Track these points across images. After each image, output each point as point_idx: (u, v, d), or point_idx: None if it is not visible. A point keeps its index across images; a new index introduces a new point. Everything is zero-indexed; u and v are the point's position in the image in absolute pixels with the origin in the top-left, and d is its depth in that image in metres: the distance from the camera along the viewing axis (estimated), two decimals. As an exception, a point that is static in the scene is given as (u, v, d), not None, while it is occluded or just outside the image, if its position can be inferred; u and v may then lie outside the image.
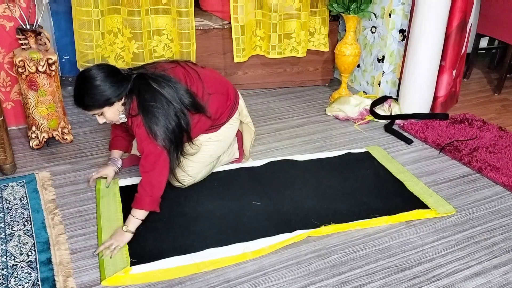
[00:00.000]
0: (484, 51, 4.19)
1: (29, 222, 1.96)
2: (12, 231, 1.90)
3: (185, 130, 1.93)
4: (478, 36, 3.77)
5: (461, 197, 2.25)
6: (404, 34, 3.16)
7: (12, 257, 1.76)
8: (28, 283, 1.64)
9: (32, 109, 2.44)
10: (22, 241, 1.85)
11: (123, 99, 1.87)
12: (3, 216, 1.99)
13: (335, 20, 3.48)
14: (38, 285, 1.63)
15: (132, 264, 1.74)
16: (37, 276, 1.67)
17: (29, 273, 1.68)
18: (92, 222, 1.99)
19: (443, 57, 2.96)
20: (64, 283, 1.65)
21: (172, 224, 1.97)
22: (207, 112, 2.04)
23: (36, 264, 1.73)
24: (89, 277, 1.70)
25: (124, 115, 1.91)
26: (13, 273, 1.68)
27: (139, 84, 1.87)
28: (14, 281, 1.65)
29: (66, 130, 2.56)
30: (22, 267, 1.71)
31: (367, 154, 2.61)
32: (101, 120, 1.92)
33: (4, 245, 1.82)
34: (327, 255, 1.85)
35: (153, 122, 1.83)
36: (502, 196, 2.27)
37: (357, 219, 2.03)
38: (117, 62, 3.09)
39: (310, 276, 1.73)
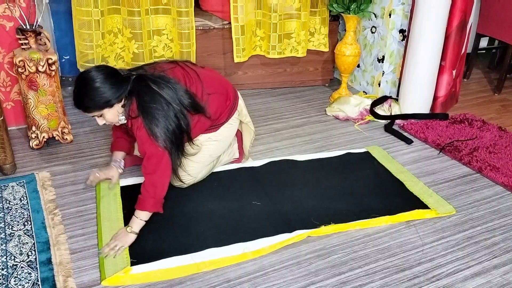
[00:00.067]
0: (484, 51, 4.19)
1: (29, 222, 1.96)
2: (12, 231, 1.90)
3: (185, 131, 1.93)
4: (478, 36, 3.77)
5: (461, 197, 2.25)
6: (404, 34, 3.16)
7: (12, 257, 1.76)
8: (28, 283, 1.64)
9: (32, 109, 2.44)
10: (22, 241, 1.85)
11: (123, 100, 1.87)
12: (3, 216, 1.99)
13: (335, 20, 3.48)
14: (38, 285, 1.63)
15: (132, 264, 1.74)
16: (37, 276, 1.67)
17: (29, 273, 1.68)
18: (92, 222, 1.99)
19: (443, 57, 2.96)
20: (64, 283, 1.65)
21: (172, 224, 1.97)
22: (207, 113, 2.04)
23: (36, 264, 1.73)
24: (89, 277, 1.70)
25: (123, 117, 1.91)
26: (13, 273, 1.68)
27: (139, 86, 1.86)
28: (14, 281, 1.65)
29: (66, 130, 2.57)
30: (22, 267, 1.71)
31: (367, 154, 2.61)
32: (100, 122, 1.92)
33: (4, 245, 1.82)
34: (327, 255, 1.85)
35: (153, 124, 1.83)
36: (502, 196, 2.27)
37: (357, 219, 2.03)
38: (117, 62, 3.09)
39: (310, 276, 1.73)
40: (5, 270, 1.70)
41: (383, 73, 3.29)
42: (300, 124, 3.00)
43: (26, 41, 2.40)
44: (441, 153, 2.66)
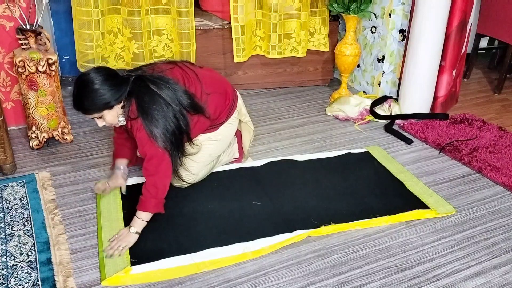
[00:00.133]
0: (484, 51, 4.19)
1: (29, 222, 1.96)
2: (12, 231, 1.90)
3: (185, 131, 1.93)
4: (478, 36, 3.77)
5: (461, 197, 2.25)
6: (404, 34, 3.16)
7: (12, 257, 1.76)
8: (28, 283, 1.64)
9: (32, 109, 2.45)
10: (22, 241, 1.85)
11: (122, 102, 1.87)
12: (3, 216, 1.99)
13: (335, 20, 3.48)
14: (38, 285, 1.63)
15: (132, 264, 1.74)
16: (37, 276, 1.67)
17: (29, 273, 1.68)
18: (92, 222, 1.99)
19: (443, 57, 2.96)
20: (64, 283, 1.65)
21: (172, 224, 1.97)
22: (206, 112, 2.04)
23: (36, 264, 1.73)
24: (89, 277, 1.70)
25: (123, 118, 1.91)
26: (13, 273, 1.68)
27: (138, 87, 1.86)
28: (14, 281, 1.65)
29: (66, 130, 2.57)
30: (22, 267, 1.71)
31: (367, 154, 2.61)
32: (100, 123, 1.92)
33: (4, 245, 1.82)
34: (327, 255, 1.85)
35: (153, 125, 1.83)
36: (502, 196, 2.27)
37: (357, 219, 2.03)
38: (117, 62, 3.09)
39: (310, 276, 1.73)
40: (5, 270, 1.70)
41: (383, 73, 3.29)
42: (300, 124, 3.00)
43: (26, 41, 2.40)
44: (441, 153, 2.66)
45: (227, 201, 2.13)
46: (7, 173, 2.30)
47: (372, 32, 3.31)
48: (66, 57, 3.20)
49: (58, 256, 1.77)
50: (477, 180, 2.40)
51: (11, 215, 2.00)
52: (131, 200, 2.04)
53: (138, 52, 3.05)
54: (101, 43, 2.98)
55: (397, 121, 3.00)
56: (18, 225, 1.94)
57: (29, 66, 2.33)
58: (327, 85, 3.67)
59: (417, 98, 2.99)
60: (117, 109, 1.87)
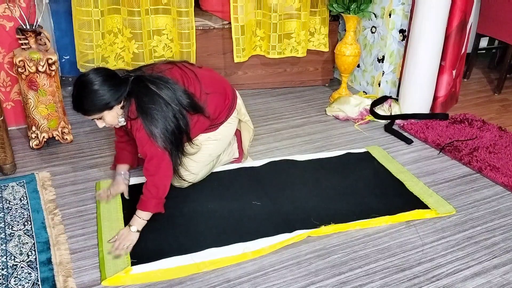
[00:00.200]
0: (484, 51, 4.19)
1: (29, 222, 1.96)
2: (12, 231, 1.90)
3: (185, 131, 1.93)
4: (478, 36, 3.77)
5: (461, 197, 2.25)
6: (404, 34, 3.16)
7: (12, 257, 1.76)
8: (28, 283, 1.64)
9: (32, 109, 2.45)
10: (22, 241, 1.85)
11: (122, 102, 1.87)
12: (3, 216, 1.99)
13: (335, 20, 3.48)
14: (38, 285, 1.64)
15: (133, 264, 1.74)
16: (37, 276, 1.67)
17: (29, 273, 1.68)
18: (92, 222, 1.99)
19: (443, 57, 2.96)
20: (64, 283, 1.65)
21: (172, 224, 1.97)
22: (206, 112, 2.04)
23: (36, 264, 1.73)
24: (89, 277, 1.70)
25: (123, 119, 1.91)
26: (13, 273, 1.68)
27: (137, 87, 1.86)
28: (14, 281, 1.65)
29: (66, 130, 2.57)
30: (22, 267, 1.71)
31: (367, 154, 2.61)
32: (100, 124, 1.92)
33: (4, 245, 1.82)
34: (327, 255, 1.85)
35: (153, 125, 1.83)
36: (502, 196, 2.27)
37: (357, 219, 2.03)
38: (117, 62, 3.09)
39: (310, 276, 1.73)
40: (5, 270, 1.70)
41: (383, 73, 3.29)
42: (300, 124, 3.00)
43: (26, 41, 2.40)
44: (441, 153, 2.66)
45: (227, 201, 2.13)
46: (7, 173, 2.30)
47: (372, 32, 3.31)
48: (66, 57, 3.20)
49: (58, 256, 1.77)
50: (477, 180, 2.40)
51: (11, 215, 2.00)
52: (131, 200, 2.04)
53: (138, 52, 3.05)
54: (101, 43, 2.98)
55: (397, 121, 3.00)
56: (18, 225, 1.94)
57: (29, 66, 2.33)
58: (327, 85, 3.67)
59: (417, 98, 2.99)
60: (117, 109, 1.87)
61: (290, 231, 1.93)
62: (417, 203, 2.16)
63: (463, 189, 2.32)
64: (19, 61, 2.32)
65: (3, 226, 1.93)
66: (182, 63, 2.09)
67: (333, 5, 3.14)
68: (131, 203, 1.99)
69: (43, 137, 2.51)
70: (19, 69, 2.33)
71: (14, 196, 2.13)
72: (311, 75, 3.60)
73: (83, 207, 2.09)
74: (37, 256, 1.77)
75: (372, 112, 3.06)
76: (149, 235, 1.88)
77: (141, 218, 1.87)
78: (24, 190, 2.18)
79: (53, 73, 2.40)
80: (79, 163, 2.44)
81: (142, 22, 2.99)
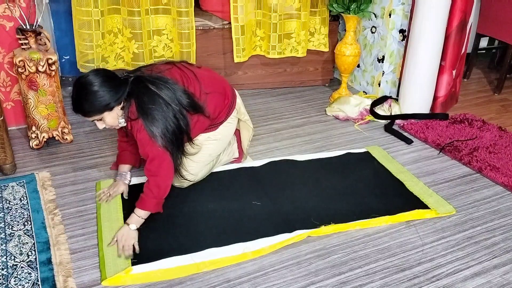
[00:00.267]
0: (484, 51, 4.19)
1: (29, 222, 1.96)
2: (12, 231, 1.90)
3: (185, 131, 1.93)
4: (478, 36, 3.77)
5: (461, 197, 2.25)
6: (404, 34, 3.16)
7: (12, 257, 1.76)
8: (28, 283, 1.64)
9: (32, 109, 2.44)
10: (22, 241, 1.85)
11: (122, 103, 1.87)
12: (3, 216, 1.99)
13: (335, 20, 3.48)
14: (38, 285, 1.63)
15: (133, 264, 1.74)
16: (37, 276, 1.67)
17: (29, 273, 1.68)
18: (92, 222, 1.99)
19: (443, 57, 2.96)
20: (64, 283, 1.65)
21: (172, 224, 1.97)
22: (206, 112, 2.04)
23: (36, 264, 1.73)
24: (89, 277, 1.70)
25: (123, 120, 1.91)
26: (13, 273, 1.68)
27: (137, 87, 1.86)
28: (14, 281, 1.65)
29: (66, 130, 2.57)
30: (22, 267, 1.71)
31: (367, 154, 2.61)
32: (100, 125, 1.92)
33: (4, 245, 1.82)
34: (327, 255, 1.85)
35: (154, 125, 1.83)
36: (502, 196, 2.27)
37: (357, 219, 2.03)
38: (117, 62, 3.09)
39: (310, 276, 1.73)
40: (5, 270, 1.70)
41: (383, 73, 3.29)
42: (300, 124, 3.00)
43: (26, 41, 2.40)
44: (441, 153, 2.66)
45: (227, 201, 2.13)
46: (7, 173, 2.30)
47: (372, 32, 3.31)
48: (66, 57, 3.20)
49: (58, 256, 1.77)
50: (477, 180, 2.40)
51: (11, 215, 2.00)
52: (131, 200, 2.04)
53: (138, 52, 3.05)
54: (101, 43, 2.98)
55: (397, 121, 3.00)
56: (18, 225, 1.94)
57: (29, 66, 2.33)
58: (327, 85, 3.67)
59: (417, 98, 2.99)
60: (117, 110, 1.87)
61: (290, 231, 1.93)
62: (417, 203, 2.16)
63: (463, 189, 2.32)
64: (19, 61, 2.32)
65: (3, 226, 1.93)
66: (181, 63, 2.09)
67: (333, 5, 3.14)
68: (131, 203, 1.99)
69: (43, 137, 2.51)
70: (19, 69, 2.33)
71: (14, 196, 2.13)
72: (311, 75, 3.60)
73: (83, 207, 2.09)
74: (37, 256, 1.77)
75: (372, 112, 3.06)
76: (149, 235, 1.88)
77: (140, 216, 1.87)
78: (24, 190, 2.18)
79: (53, 73, 2.40)
80: (79, 163, 2.44)
81: (142, 22, 2.99)
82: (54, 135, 2.54)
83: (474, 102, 3.42)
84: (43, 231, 1.90)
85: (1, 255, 1.76)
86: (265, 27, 3.29)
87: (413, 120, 2.99)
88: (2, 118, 2.21)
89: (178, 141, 1.91)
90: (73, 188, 2.22)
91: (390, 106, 3.11)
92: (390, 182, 2.34)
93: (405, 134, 2.87)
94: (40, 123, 2.48)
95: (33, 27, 2.41)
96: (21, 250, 1.80)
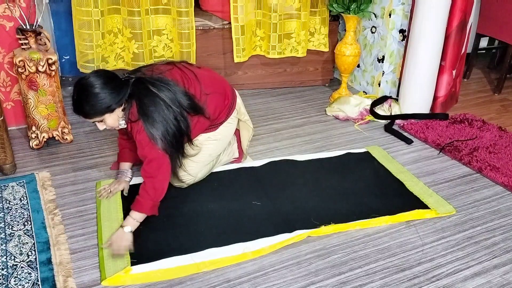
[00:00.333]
0: (484, 51, 4.19)
1: (29, 222, 1.96)
2: (12, 231, 1.90)
3: (185, 133, 1.93)
4: (478, 36, 3.77)
5: (461, 197, 2.25)
6: (404, 34, 3.16)
7: (12, 257, 1.76)
8: (28, 283, 1.64)
9: (32, 109, 2.44)
10: (22, 241, 1.85)
11: (123, 104, 1.87)
12: (3, 216, 1.99)
13: (335, 20, 3.48)
14: (38, 285, 1.64)
15: (132, 264, 1.74)
16: (37, 276, 1.67)
17: (29, 273, 1.68)
18: (92, 222, 1.99)
19: (443, 57, 2.96)
20: (64, 283, 1.65)
21: (172, 224, 1.97)
22: (206, 113, 2.03)
23: (36, 264, 1.73)
24: (89, 277, 1.70)
25: (124, 121, 1.91)
26: (13, 273, 1.68)
27: (138, 89, 1.86)
28: (14, 281, 1.65)
29: (66, 130, 2.57)
30: (22, 267, 1.71)
31: (367, 154, 2.61)
32: (101, 126, 1.91)
33: (4, 245, 1.82)
34: (327, 255, 1.85)
35: (154, 127, 1.82)
36: (502, 196, 2.27)
37: (357, 219, 2.03)
38: (117, 62, 3.09)
39: (310, 276, 1.73)
40: (5, 270, 1.70)
41: (383, 73, 3.29)
42: (300, 124, 3.00)
43: (26, 41, 2.40)
44: (441, 153, 2.66)
45: (227, 201, 2.13)
46: (7, 173, 2.30)
47: (372, 32, 3.31)
48: (66, 57, 3.20)
49: (58, 256, 1.77)
50: (477, 180, 2.40)
51: (11, 215, 2.00)
52: (131, 200, 2.03)
53: (138, 52, 3.05)
54: (101, 43, 2.98)
55: (397, 121, 3.00)
56: (18, 225, 1.94)
57: (29, 66, 2.33)
58: (327, 85, 3.67)
59: (417, 98, 2.99)
60: (118, 112, 1.87)
61: (290, 231, 1.93)
62: (417, 203, 2.16)
63: (463, 189, 2.32)
64: (19, 61, 2.32)
65: (3, 226, 1.93)
66: (182, 64, 2.09)
67: (333, 5, 3.14)
68: (131, 203, 1.99)
69: (43, 137, 2.51)
70: (19, 69, 2.33)
71: (14, 196, 2.13)
72: (311, 75, 3.60)
73: (83, 207, 2.09)
74: (37, 256, 1.77)
75: (372, 112, 3.06)
76: (149, 235, 1.88)
77: (135, 219, 1.86)
78: (24, 190, 2.18)
79: (53, 73, 2.40)
80: (79, 163, 2.44)
81: (142, 22, 2.99)
82: (54, 135, 2.54)
83: (474, 102, 3.42)
84: (43, 231, 1.90)
85: (1, 255, 1.77)
86: (265, 27, 3.29)
87: (413, 120, 2.99)
88: (2, 118, 2.21)
89: (178, 143, 1.91)
90: (73, 188, 2.22)
91: (390, 106, 3.11)
92: (390, 182, 2.34)
93: (405, 134, 2.87)
94: (40, 123, 2.48)
95: (33, 27, 2.41)
96: (21, 250, 1.80)
